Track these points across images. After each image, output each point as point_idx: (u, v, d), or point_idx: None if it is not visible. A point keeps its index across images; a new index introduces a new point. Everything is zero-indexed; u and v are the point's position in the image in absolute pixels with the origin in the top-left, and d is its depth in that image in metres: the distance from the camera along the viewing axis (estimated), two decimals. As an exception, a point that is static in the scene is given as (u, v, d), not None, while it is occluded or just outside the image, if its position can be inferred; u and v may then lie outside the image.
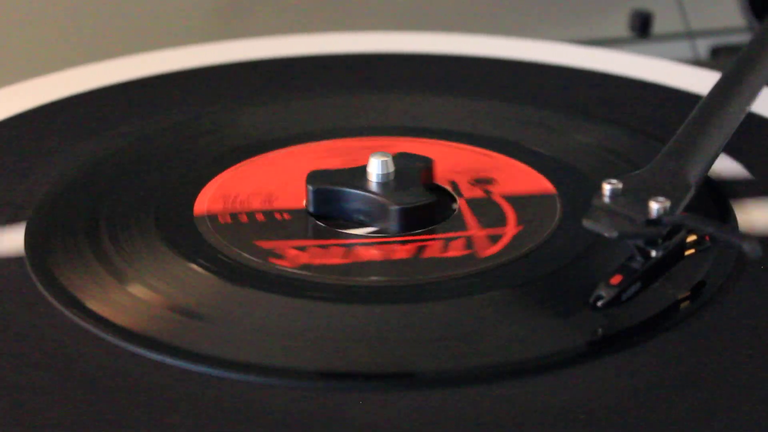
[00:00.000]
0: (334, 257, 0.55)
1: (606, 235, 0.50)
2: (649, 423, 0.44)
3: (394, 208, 0.57)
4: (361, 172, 0.59)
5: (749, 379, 0.46)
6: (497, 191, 0.61)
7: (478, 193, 0.61)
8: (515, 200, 0.60)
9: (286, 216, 0.59)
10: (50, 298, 0.52)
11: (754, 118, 0.69)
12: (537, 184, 0.62)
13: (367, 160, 0.59)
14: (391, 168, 0.59)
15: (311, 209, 0.59)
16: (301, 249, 0.55)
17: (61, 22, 1.13)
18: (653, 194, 0.51)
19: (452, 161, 0.64)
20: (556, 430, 0.44)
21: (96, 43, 1.13)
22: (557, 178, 0.62)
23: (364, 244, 0.56)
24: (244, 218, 0.58)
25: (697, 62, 1.08)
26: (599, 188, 0.51)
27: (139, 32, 1.15)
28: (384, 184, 0.58)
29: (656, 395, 0.45)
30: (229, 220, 0.58)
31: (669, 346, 0.48)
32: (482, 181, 0.62)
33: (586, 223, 0.50)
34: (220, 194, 0.61)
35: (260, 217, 0.59)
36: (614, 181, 0.51)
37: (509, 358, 0.47)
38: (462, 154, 0.66)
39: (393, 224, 0.57)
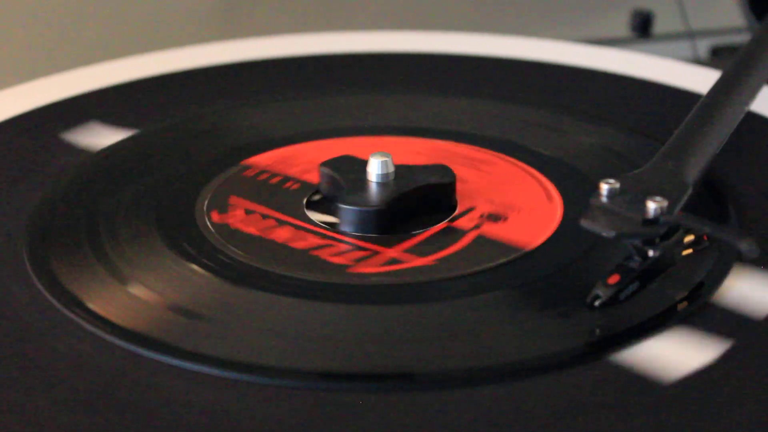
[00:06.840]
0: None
1: (604, 234, 0.50)
2: (648, 423, 0.44)
3: (341, 205, 0.57)
4: (364, 168, 0.59)
5: (749, 379, 0.46)
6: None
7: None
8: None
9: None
10: (50, 298, 0.52)
11: (753, 118, 0.69)
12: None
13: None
14: (391, 168, 0.59)
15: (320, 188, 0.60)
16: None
17: (62, 23, 1.13)
18: (651, 194, 0.51)
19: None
20: (556, 430, 0.44)
21: (97, 44, 1.13)
22: (557, 178, 0.63)
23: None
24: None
25: (697, 62, 1.08)
26: (597, 188, 0.51)
27: (140, 32, 1.15)
28: (377, 183, 0.58)
29: (655, 396, 0.45)
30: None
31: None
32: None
33: (584, 223, 0.50)
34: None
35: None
36: (612, 180, 0.51)
37: (508, 359, 0.47)
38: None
39: (340, 221, 0.57)
